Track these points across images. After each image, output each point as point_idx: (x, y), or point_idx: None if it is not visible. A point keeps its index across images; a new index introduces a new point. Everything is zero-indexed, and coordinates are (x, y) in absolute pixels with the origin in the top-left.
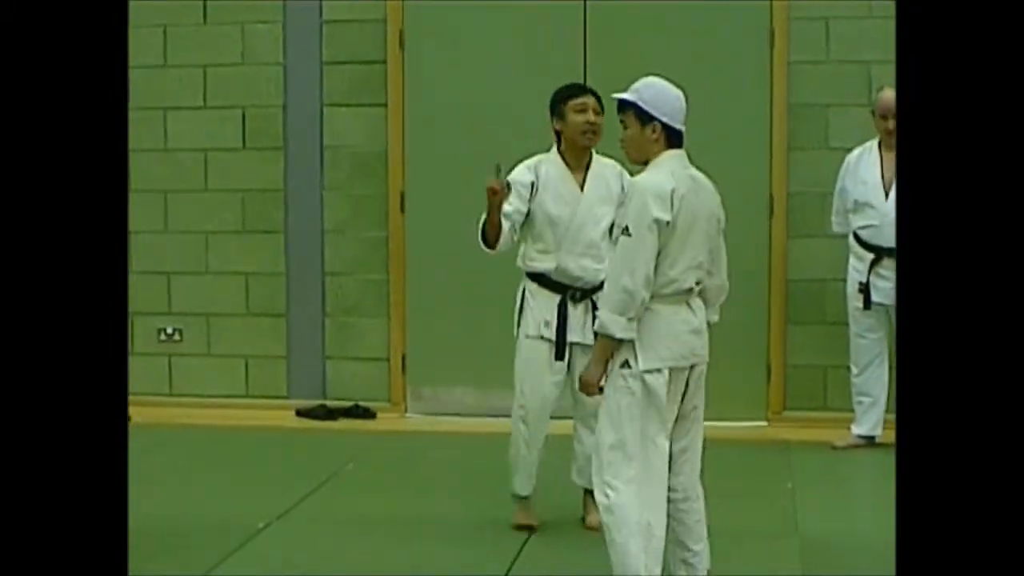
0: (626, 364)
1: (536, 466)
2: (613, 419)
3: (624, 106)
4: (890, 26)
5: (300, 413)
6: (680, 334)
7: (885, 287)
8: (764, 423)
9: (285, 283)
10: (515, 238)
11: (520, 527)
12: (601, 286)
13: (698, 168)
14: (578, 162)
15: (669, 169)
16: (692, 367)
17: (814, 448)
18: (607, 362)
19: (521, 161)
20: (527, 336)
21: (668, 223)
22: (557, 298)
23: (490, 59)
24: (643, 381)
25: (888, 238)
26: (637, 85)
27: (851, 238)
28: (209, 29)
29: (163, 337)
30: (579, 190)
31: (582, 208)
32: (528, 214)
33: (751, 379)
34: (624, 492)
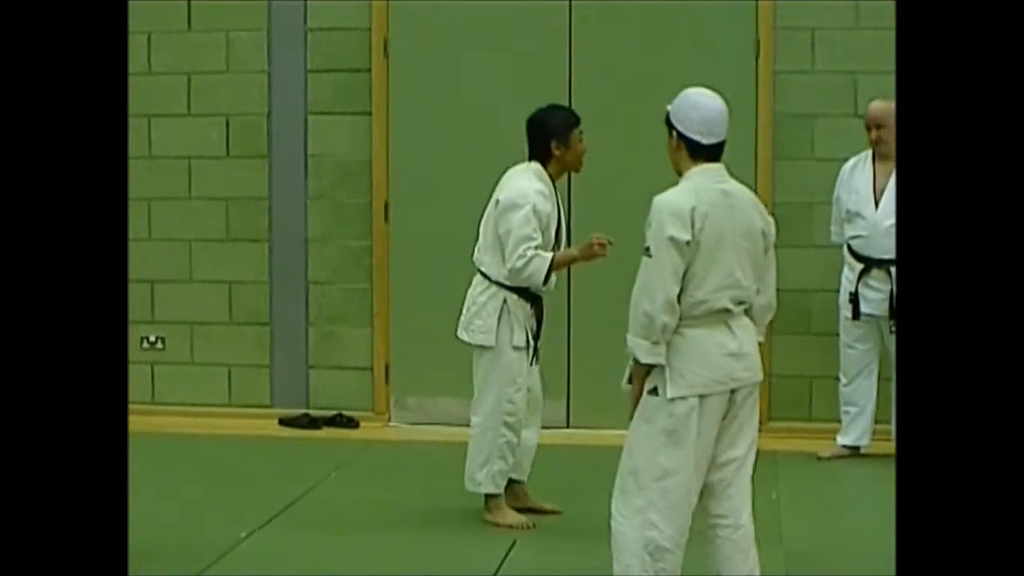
0: (654, 391)
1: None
2: (632, 446)
3: (666, 116)
4: (877, 36)
5: (283, 422)
6: (713, 358)
7: (875, 298)
8: None
9: (269, 291)
10: None
11: (509, 526)
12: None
13: None
14: (555, 183)
15: (694, 186)
16: (734, 391)
17: (799, 458)
18: (642, 382)
19: (505, 169)
20: (514, 347)
21: (688, 242)
22: (532, 311)
23: (475, 68)
24: (668, 410)
25: (877, 249)
26: (680, 94)
27: (844, 248)
28: (193, 36)
29: (146, 345)
30: (558, 209)
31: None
32: None
33: None
34: (628, 522)
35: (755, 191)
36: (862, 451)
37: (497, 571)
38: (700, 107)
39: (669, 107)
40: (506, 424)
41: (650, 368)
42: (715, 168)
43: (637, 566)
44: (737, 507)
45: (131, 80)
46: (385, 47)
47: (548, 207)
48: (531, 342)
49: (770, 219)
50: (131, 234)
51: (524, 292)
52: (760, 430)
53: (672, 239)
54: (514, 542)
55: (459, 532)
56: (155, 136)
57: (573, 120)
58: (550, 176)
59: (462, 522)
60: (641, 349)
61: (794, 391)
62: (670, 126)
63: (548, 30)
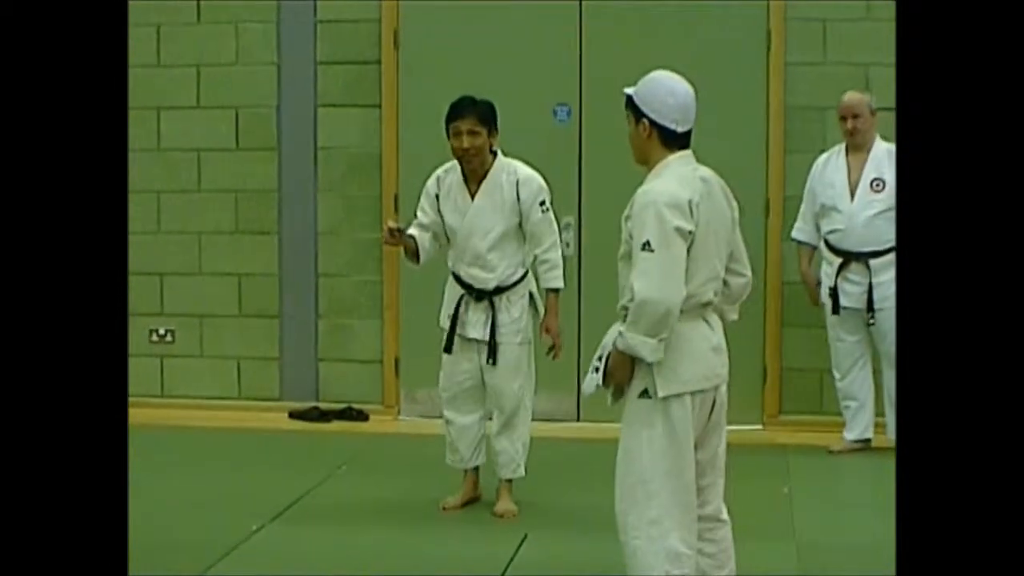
0: (645, 394)
1: (467, 447)
2: (632, 455)
3: (627, 101)
4: (888, 28)
5: (293, 415)
6: (702, 353)
7: (854, 291)
8: (760, 427)
9: (278, 284)
10: (440, 244)
11: (443, 507)
12: (495, 290)
13: None
14: (473, 173)
15: (676, 175)
16: (716, 388)
17: (810, 452)
18: (628, 371)
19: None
20: (440, 327)
21: (691, 232)
22: (460, 295)
23: (485, 59)
24: (663, 411)
25: (854, 242)
26: (642, 79)
27: (822, 243)
28: (203, 28)
29: (155, 338)
30: (470, 201)
31: (468, 219)
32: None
33: (747, 382)
34: (644, 535)
35: (765, 183)
36: (873, 444)
37: (508, 564)
38: (676, 93)
39: (632, 91)
40: (443, 402)
41: (633, 364)
42: (689, 155)
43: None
44: (719, 507)
45: (140, 72)
46: (395, 39)
47: (434, 188)
48: (449, 329)
49: (735, 202)
50: (140, 227)
51: (455, 276)
52: (771, 424)
53: (678, 229)
54: (525, 535)
55: (470, 525)
56: (164, 128)
57: (448, 114)
58: (461, 166)
59: (473, 515)
60: (647, 347)
61: (805, 384)
62: (637, 113)
63: (559, 20)
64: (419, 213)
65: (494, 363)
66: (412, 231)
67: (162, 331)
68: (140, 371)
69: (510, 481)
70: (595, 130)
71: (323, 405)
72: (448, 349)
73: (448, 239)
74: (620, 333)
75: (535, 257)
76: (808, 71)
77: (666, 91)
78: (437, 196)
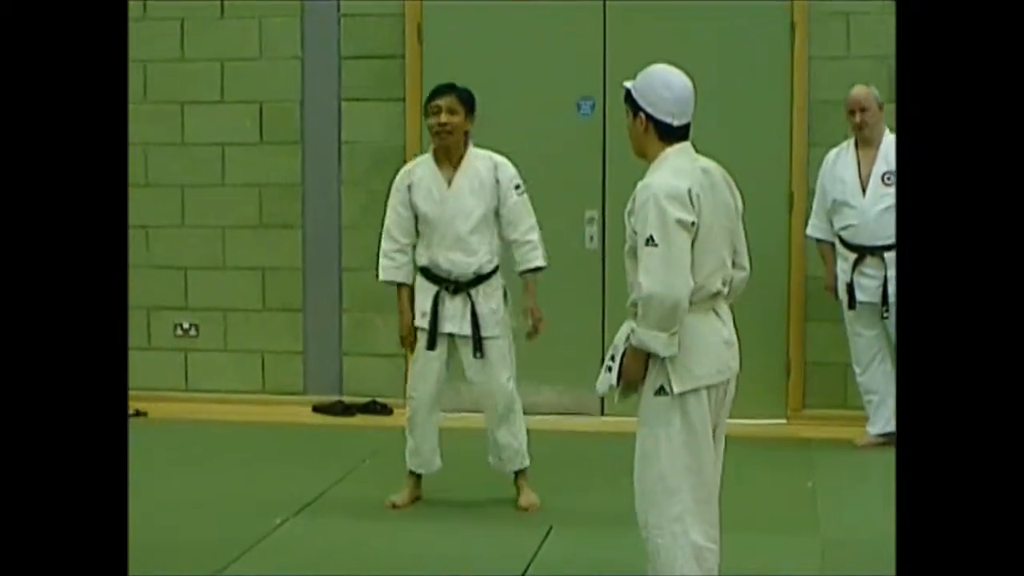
0: (661, 391)
1: (431, 452)
2: (650, 454)
3: (626, 94)
4: None
5: (317, 409)
6: (713, 347)
7: (870, 286)
8: (784, 421)
9: (302, 278)
10: (415, 243)
11: (393, 505)
12: (477, 279)
13: (717, 161)
14: (448, 158)
15: (676, 167)
16: (727, 381)
17: (834, 446)
18: (643, 365)
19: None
20: (417, 327)
21: (693, 223)
22: (435, 290)
23: (509, 53)
24: (681, 407)
25: (868, 236)
26: (640, 73)
27: (836, 239)
28: (226, 23)
29: (179, 332)
30: (447, 186)
31: (450, 202)
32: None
33: (770, 376)
34: (667, 532)
35: (789, 177)
36: None
37: (533, 559)
38: (672, 87)
39: (630, 85)
40: (409, 401)
41: (647, 361)
42: (688, 147)
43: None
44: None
45: (164, 67)
46: (419, 33)
47: (404, 183)
48: (429, 325)
49: (738, 192)
50: (164, 221)
51: (425, 272)
52: (795, 418)
53: (680, 222)
54: (550, 529)
55: (494, 520)
56: (188, 123)
57: (429, 96)
58: (435, 155)
59: (497, 510)
60: (659, 342)
61: (829, 378)
62: (635, 107)
63: (583, 15)
64: (394, 229)
65: (482, 357)
66: (390, 263)
67: (186, 325)
68: (164, 365)
69: (522, 472)
70: (619, 124)
71: (347, 399)
72: (432, 346)
73: (419, 232)
74: (632, 330)
75: (513, 241)
76: (831, 65)
77: (662, 84)
78: (409, 187)
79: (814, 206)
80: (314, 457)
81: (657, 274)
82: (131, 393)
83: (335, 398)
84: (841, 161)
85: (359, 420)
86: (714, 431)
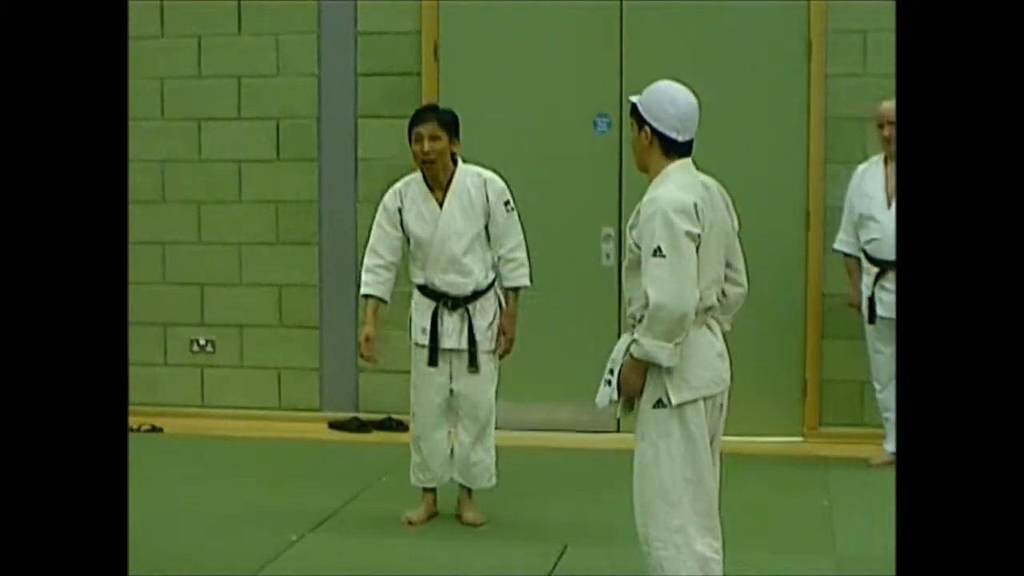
0: (659, 403)
1: (441, 465)
2: (650, 467)
3: (632, 108)
4: None
5: (333, 426)
6: (709, 359)
7: (890, 300)
8: (799, 439)
9: (318, 295)
10: (398, 263)
11: (409, 522)
12: (473, 296)
13: (733, 178)
14: (436, 181)
15: (680, 182)
16: (721, 393)
17: (850, 464)
18: (642, 375)
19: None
20: (414, 343)
21: (699, 235)
22: (432, 307)
23: (525, 70)
24: (679, 418)
25: (890, 251)
26: (647, 88)
27: (862, 254)
28: (243, 39)
29: (196, 348)
30: (439, 208)
31: (442, 225)
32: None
33: (786, 394)
34: (669, 544)
35: (806, 193)
36: None
37: (549, 575)
38: (678, 103)
39: (636, 99)
40: (412, 418)
41: (645, 372)
42: (689, 163)
43: None
44: None
45: (181, 84)
46: (435, 50)
47: (394, 203)
48: (429, 341)
49: (734, 211)
50: (181, 237)
51: (423, 289)
52: (811, 436)
53: (688, 234)
54: (565, 547)
55: (511, 536)
56: (205, 139)
57: (411, 122)
58: (424, 176)
59: (514, 526)
60: (664, 352)
61: (845, 396)
62: (640, 120)
63: (599, 31)
64: (379, 246)
65: (476, 371)
66: (373, 277)
67: (202, 341)
68: (181, 381)
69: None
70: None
71: (363, 415)
72: (434, 362)
73: (411, 253)
74: (635, 340)
75: (499, 258)
76: (848, 82)
77: (668, 100)
78: (399, 210)
79: (843, 220)
80: (330, 474)
81: (666, 285)
82: (147, 409)
83: (351, 415)
84: (869, 175)
85: (375, 437)
86: (711, 442)
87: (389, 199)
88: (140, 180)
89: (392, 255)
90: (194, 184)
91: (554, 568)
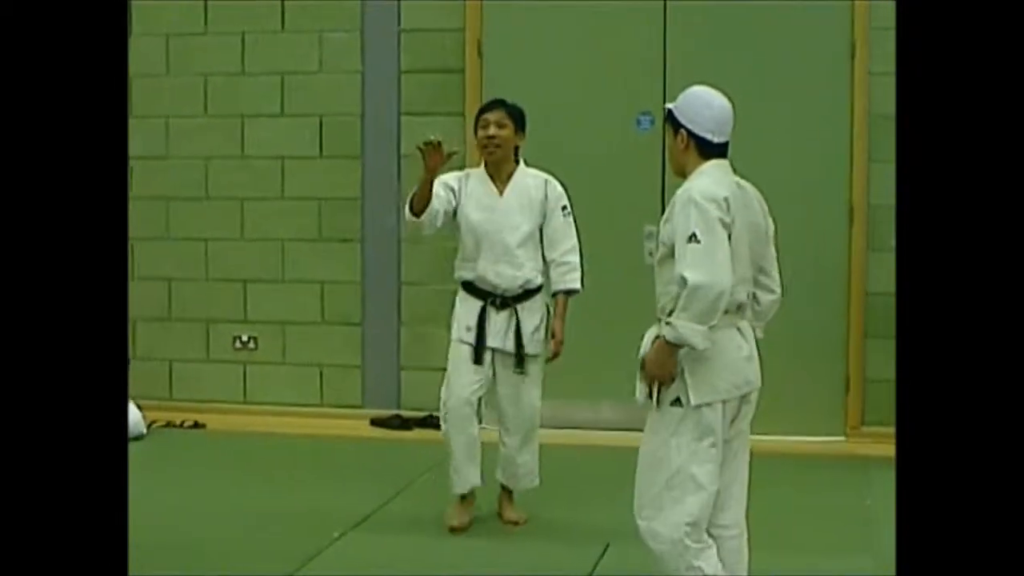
0: (677, 401)
1: (470, 466)
2: (658, 462)
3: (667, 114)
4: None
5: (375, 423)
6: (735, 362)
7: None
8: (842, 438)
9: (361, 292)
10: (438, 223)
11: (451, 529)
12: (524, 295)
13: (777, 176)
14: (499, 173)
15: (714, 177)
16: (744, 396)
17: (893, 464)
18: (674, 359)
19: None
20: (455, 340)
21: (729, 224)
22: (480, 305)
23: (569, 67)
24: (695, 419)
25: None
26: (682, 94)
27: None
28: (287, 37)
29: (238, 345)
30: (499, 197)
31: (499, 214)
32: (455, 219)
33: (829, 393)
34: (669, 541)
35: (849, 192)
36: None
37: (590, 574)
38: (713, 106)
39: (672, 105)
40: (443, 417)
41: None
42: (724, 164)
43: (707, 567)
44: (740, 516)
45: (224, 81)
46: (479, 47)
47: (454, 178)
48: (475, 340)
49: (771, 219)
50: (224, 233)
51: (468, 287)
52: (853, 435)
53: (721, 220)
54: (607, 546)
55: (552, 535)
56: (248, 136)
57: (480, 111)
58: (487, 167)
59: (555, 525)
60: (698, 335)
61: (888, 395)
62: (676, 124)
63: (642, 29)
64: (441, 189)
65: (522, 373)
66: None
67: (245, 338)
68: (223, 377)
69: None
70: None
71: (405, 413)
72: (480, 360)
73: (461, 244)
74: (668, 323)
75: (551, 261)
76: (892, 80)
77: (703, 104)
78: (459, 188)
79: None
80: (371, 471)
81: (702, 266)
82: (189, 405)
83: (393, 412)
84: None
85: (416, 434)
86: (730, 443)
87: (452, 176)
88: (183, 177)
89: (439, 202)
90: (237, 181)
91: (595, 568)
